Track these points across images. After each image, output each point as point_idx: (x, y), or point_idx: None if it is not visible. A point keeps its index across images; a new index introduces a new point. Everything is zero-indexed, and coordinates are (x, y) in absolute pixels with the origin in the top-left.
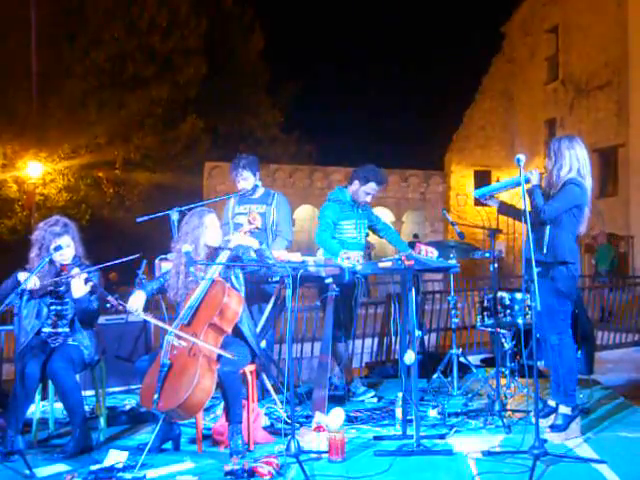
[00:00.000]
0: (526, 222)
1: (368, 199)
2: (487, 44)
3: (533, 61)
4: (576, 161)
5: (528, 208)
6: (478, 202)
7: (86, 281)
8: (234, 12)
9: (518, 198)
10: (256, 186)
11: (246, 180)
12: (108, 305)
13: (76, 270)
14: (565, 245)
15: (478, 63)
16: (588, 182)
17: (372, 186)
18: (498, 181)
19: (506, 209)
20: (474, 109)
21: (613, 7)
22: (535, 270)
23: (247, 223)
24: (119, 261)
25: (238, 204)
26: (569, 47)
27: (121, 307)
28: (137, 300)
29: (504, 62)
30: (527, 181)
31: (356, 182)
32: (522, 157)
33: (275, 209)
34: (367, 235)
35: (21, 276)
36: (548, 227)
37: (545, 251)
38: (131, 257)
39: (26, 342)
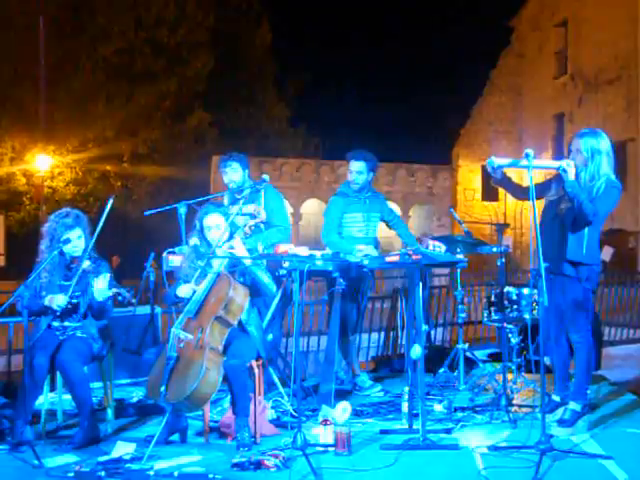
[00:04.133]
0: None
1: (352, 177)
2: (496, 38)
3: (542, 55)
4: (608, 157)
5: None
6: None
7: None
8: (241, 6)
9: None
10: (244, 183)
11: (235, 171)
12: (120, 298)
13: (87, 263)
14: (597, 246)
15: (487, 57)
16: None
17: (351, 164)
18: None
19: (505, 183)
20: (482, 104)
21: (623, 1)
22: (543, 265)
23: (249, 218)
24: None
25: (231, 204)
26: (578, 41)
27: (133, 300)
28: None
29: (513, 56)
30: (560, 169)
31: None
32: (531, 152)
33: (264, 201)
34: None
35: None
36: (587, 228)
37: (585, 252)
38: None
39: (38, 336)
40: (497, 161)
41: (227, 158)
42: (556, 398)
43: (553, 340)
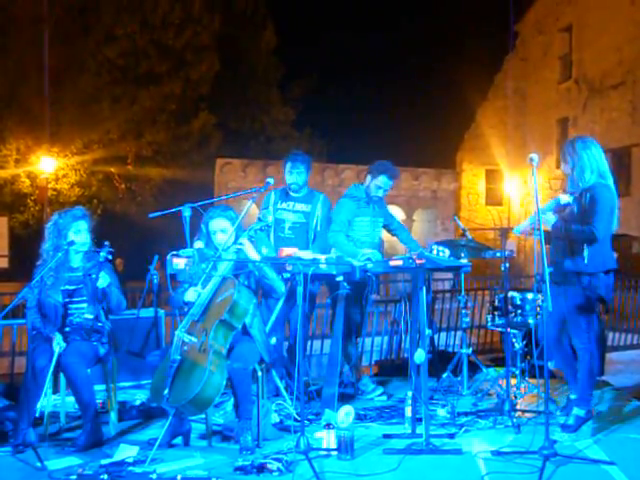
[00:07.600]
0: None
1: (380, 193)
2: (500, 43)
3: (546, 60)
4: (595, 161)
5: (550, 221)
6: (491, 203)
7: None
8: (246, 9)
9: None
10: (305, 186)
11: (300, 175)
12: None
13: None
14: (607, 252)
15: (491, 61)
16: (610, 181)
17: (382, 179)
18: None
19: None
20: (486, 108)
21: (627, 6)
22: (547, 270)
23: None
24: None
25: (281, 200)
26: (583, 46)
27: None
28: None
29: (517, 61)
30: (559, 205)
31: (369, 177)
32: (535, 157)
33: (320, 210)
34: (380, 234)
35: None
36: None
37: (587, 262)
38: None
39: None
40: (517, 229)
41: (295, 160)
42: (573, 397)
43: (552, 343)
